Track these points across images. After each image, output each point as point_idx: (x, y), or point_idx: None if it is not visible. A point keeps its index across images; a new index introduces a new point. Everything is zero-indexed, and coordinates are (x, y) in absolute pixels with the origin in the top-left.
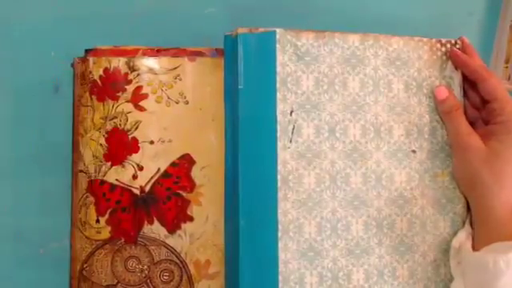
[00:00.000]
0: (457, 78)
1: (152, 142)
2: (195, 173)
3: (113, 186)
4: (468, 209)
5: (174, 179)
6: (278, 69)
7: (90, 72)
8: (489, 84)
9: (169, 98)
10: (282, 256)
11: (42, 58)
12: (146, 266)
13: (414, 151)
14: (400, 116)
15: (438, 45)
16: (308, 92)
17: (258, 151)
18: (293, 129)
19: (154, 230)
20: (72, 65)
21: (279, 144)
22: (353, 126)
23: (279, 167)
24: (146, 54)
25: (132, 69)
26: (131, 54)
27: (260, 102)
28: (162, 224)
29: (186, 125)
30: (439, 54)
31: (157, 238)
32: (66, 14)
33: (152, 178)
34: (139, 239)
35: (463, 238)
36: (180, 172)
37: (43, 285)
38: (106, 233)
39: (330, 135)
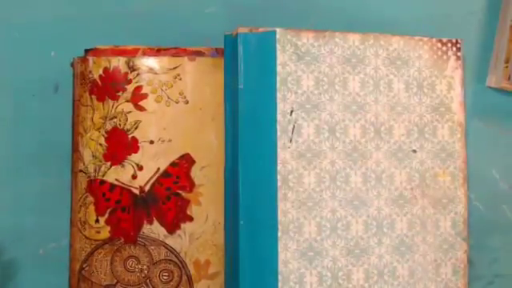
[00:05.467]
0: (458, 78)
1: (152, 142)
2: (195, 172)
3: (112, 186)
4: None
5: (173, 179)
6: (278, 68)
7: (90, 72)
8: None
9: (169, 97)
10: (281, 256)
11: (41, 58)
12: (145, 266)
13: (414, 151)
14: (400, 116)
15: (439, 44)
16: (308, 92)
17: (258, 151)
18: (293, 128)
19: (154, 229)
20: (71, 64)
21: (279, 144)
22: (353, 126)
23: (279, 167)
24: (145, 53)
25: (132, 68)
26: (131, 53)
27: (260, 102)
28: (162, 224)
29: (186, 124)
30: (440, 53)
31: (156, 237)
32: (66, 13)
33: (152, 177)
34: (139, 239)
35: None
36: (180, 172)
37: (43, 285)
38: (105, 233)
39: (330, 135)
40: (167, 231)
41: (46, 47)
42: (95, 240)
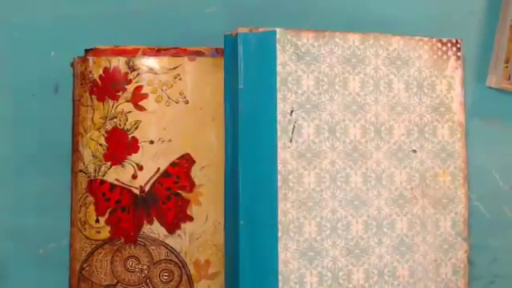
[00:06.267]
0: (458, 78)
1: (152, 142)
2: (195, 172)
3: (112, 186)
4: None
5: (173, 179)
6: (278, 68)
7: (90, 72)
8: None
9: (169, 97)
10: (282, 256)
11: (41, 58)
12: (145, 266)
13: (414, 151)
14: (400, 115)
15: (439, 44)
16: (308, 92)
17: (258, 151)
18: (293, 128)
19: (154, 229)
20: (72, 64)
21: (279, 144)
22: (353, 126)
23: (279, 167)
24: (145, 53)
25: (132, 68)
26: (131, 53)
27: (260, 102)
28: (162, 224)
29: (186, 124)
30: (440, 53)
31: (156, 237)
32: (66, 13)
33: (152, 177)
34: (139, 239)
35: None
36: (180, 172)
37: (43, 285)
38: (105, 232)
39: (331, 135)
40: (167, 231)
41: (46, 47)
42: (95, 240)
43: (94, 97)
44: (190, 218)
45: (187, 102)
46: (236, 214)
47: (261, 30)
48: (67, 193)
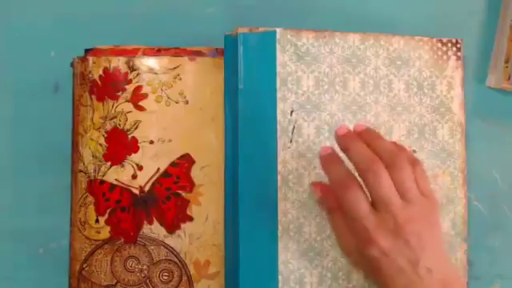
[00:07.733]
0: (458, 78)
1: (152, 142)
2: (195, 172)
3: (112, 186)
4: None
5: (173, 179)
6: (279, 68)
7: (90, 72)
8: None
9: (169, 97)
10: (281, 256)
11: (41, 58)
12: (145, 266)
13: (414, 151)
14: (400, 116)
15: (439, 44)
16: (308, 92)
17: (258, 151)
18: (293, 129)
19: (154, 229)
20: (71, 64)
21: (279, 144)
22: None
23: (279, 167)
24: (145, 53)
25: (132, 68)
26: (131, 53)
27: (260, 102)
28: (162, 224)
29: (186, 124)
30: (440, 53)
31: (156, 237)
32: (66, 13)
33: (152, 177)
34: (139, 239)
35: None
36: (180, 172)
37: (43, 285)
38: (105, 233)
39: (331, 135)
40: (167, 231)
41: (46, 47)
42: (95, 240)
43: (93, 97)
44: (190, 218)
45: (187, 102)
46: (236, 213)
47: (261, 29)
48: (67, 193)
